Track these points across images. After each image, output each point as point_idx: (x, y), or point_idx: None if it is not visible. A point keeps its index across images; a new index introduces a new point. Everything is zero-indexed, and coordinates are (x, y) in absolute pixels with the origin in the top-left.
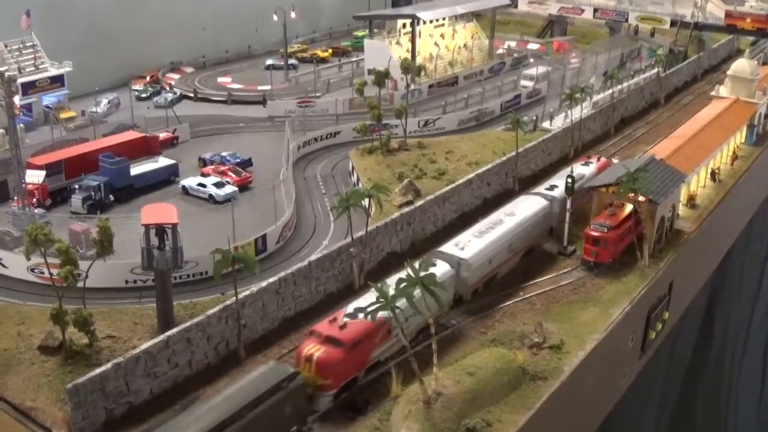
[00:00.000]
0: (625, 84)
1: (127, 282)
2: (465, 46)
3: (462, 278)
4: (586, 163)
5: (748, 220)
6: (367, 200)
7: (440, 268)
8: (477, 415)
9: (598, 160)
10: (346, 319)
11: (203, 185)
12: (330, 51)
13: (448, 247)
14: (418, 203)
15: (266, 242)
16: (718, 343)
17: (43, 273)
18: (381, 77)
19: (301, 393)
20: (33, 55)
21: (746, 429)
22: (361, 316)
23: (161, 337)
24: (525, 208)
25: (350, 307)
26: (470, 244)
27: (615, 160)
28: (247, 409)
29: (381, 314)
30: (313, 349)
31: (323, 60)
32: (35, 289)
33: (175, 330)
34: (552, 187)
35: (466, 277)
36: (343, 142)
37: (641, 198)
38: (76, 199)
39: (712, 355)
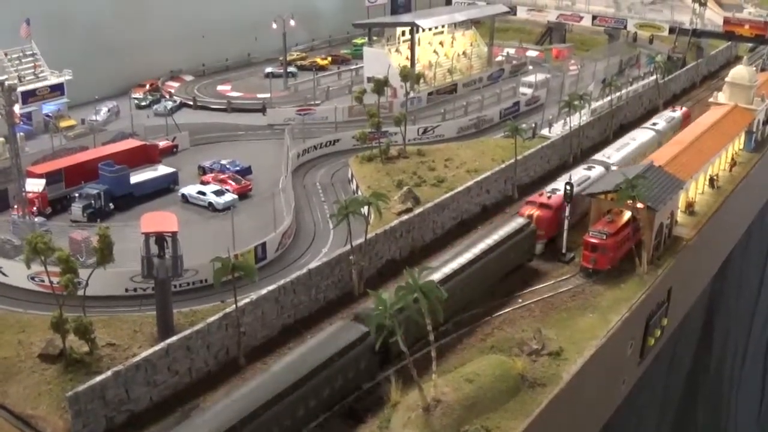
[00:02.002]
0: (623, 91)
1: (127, 290)
2: (464, 53)
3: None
4: (674, 110)
5: (746, 227)
6: (366, 208)
7: (596, 171)
8: (476, 422)
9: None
10: (549, 193)
11: (203, 193)
12: (329, 59)
13: (599, 156)
14: (418, 211)
15: (266, 250)
16: (717, 349)
17: (43, 281)
18: (380, 85)
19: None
20: (33, 64)
21: None
22: (558, 192)
23: (161, 345)
24: (642, 135)
25: (549, 187)
26: (615, 154)
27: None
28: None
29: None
30: (532, 210)
31: (322, 68)
32: (36, 298)
33: (175, 338)
34: (654, 124)
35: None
36: (343, 150)
37: (640, 205)
38: (76, 208)
39: (712, 362)
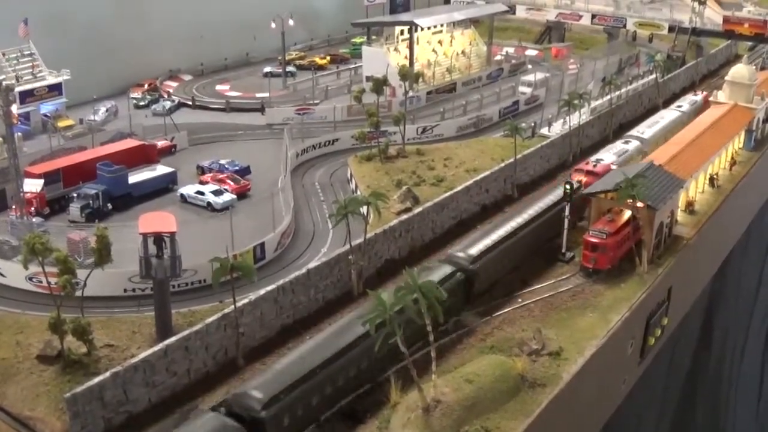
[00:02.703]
0: (623, 90)
1: (125, 291)
2: (463, 52)
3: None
4: (695, 94)
5: (746, 226)
6: (365, 207)
7: (633, 144)
8: (476, 423)
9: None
10: (594, 162)
11: (201, 193)
12: (328, 58)
13: (634, 132)
14: (417, 210)
15: (265, 250)
16: (717, 349)
17: (41, 282)
18: (379, 84)
19: None
20: (31, 64)
21: None
22: (602, 161)
23: (160, 345)
24: (669, 114)
25: (593, 157)
26: (648, 130)
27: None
28: None
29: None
30: (580, 176)
31: (321, 67)
32: (33, 298)
33: (173, 339)
34: (679, 106)
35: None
36: (342, 150)
37: (640, 204)
38: (75, 208)
39: (711, 361)
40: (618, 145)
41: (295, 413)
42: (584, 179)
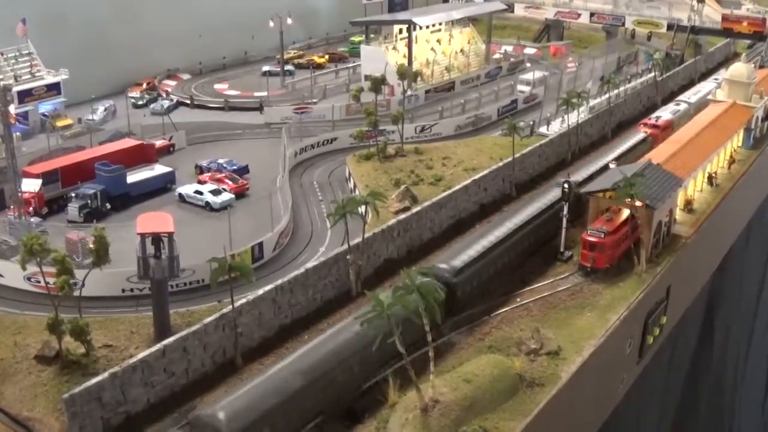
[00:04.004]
0: (621, 88)
1: (123, 291)
2: (461, 51)
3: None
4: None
5: (746, 224)
6: (363, 207)
7: (683, 107)
8: (474, 422)
9: None
10: (656, 118)
11: (200, 193)
12: (326, 57)
13: (683, 97)
14: (415, 209)
15: (263, 250)
16: (718, 347)
17: (39, 282)
18: (378, 83)
19: None
20: (29, 63)
21: None
22: (661, 118)
23: (158, 346)
24: (707, 86)
25: (654, 114)
26: (693, 96)
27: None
28: None
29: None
30: (646, 129)
31: (320, 66)
32: (32, 299)
33: (171, 339)
34: (716, 78)
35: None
36: (340, 149)
37: (638, 203)
38: (73, 208)
39: (713, 360)
40: (671, 107)
41: None
42: (649, 130)
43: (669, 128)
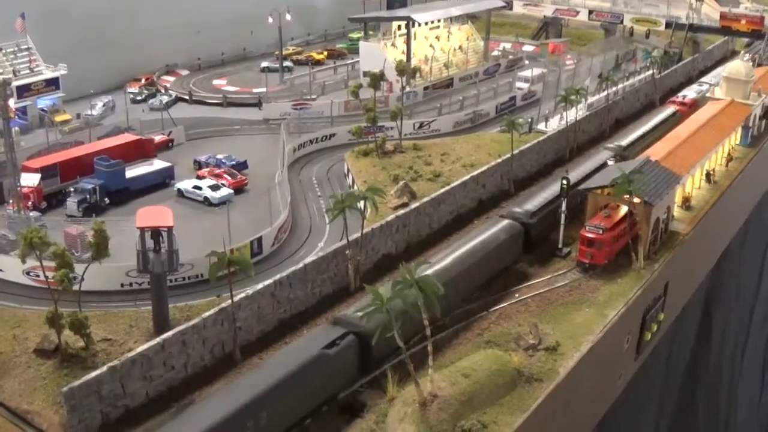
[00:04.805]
0: (620, 86)
1: (122, 285)
2: (460, 48)
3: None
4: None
5: (743, 221)
6: (362, 202)
7: (705, 87)
8: (472, 417)
9: None
10: (682, 96)
11: (199, 188)
12: (325, 53)
13: (706, 79)
14: (414, 205)
15: (262, 245)
16: (716, 343)
17: (38, 276)
18: (376, 79)
19: None
20: (28, 58)
21: (746, 431)
22: (687, 96)
23: (157, 339)
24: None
25: (681, 93)
26: (713, 78)
27: None
28: None
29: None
30: (675, 106)
31: (318, 62)
32: (31, 293)
33: (170, 333)
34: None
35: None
36: (339, 145)
37: (636, 200)
38: (72, 202)
39: (710, 356)
40: (695, 87)
41: None
42: (678, 107)
43: (694, 105)
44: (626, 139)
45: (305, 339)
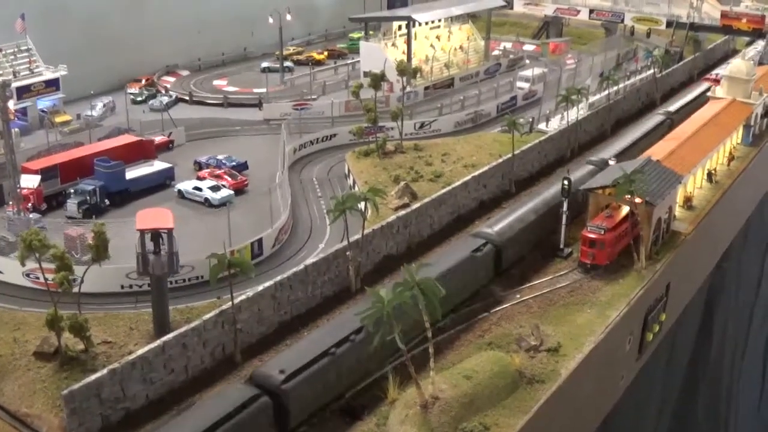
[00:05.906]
0: (621, 85)
1: (122, 287)
2: (461, 47)
3: None
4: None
5: (745, 221)
6: (363, 203)
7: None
8: (474, 419)
9: None
10: (716, 74)
11: (199, 189)
12: (326, 53)
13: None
14: (415, 206)
15: (262, 246)
16: (716, 344)
17: (38, 278)
18: (377, 79)
19: None
20: (28, 59)
21: (747, 430)
22: (719, 74)
23: (157, 342)
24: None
25: (713, 71)
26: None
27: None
28: None
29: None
30: (710, 83)
31: (319, 62)
32: (31, 295)
33: (171, 335)
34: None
35: None
36: (339, 145)
37: (638, 200)
38: (72, 204)
39: (711, 356)
40: (723, 66)
41: None
42: (712, 84)
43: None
44: (674, 106)
45: (454, 246)
